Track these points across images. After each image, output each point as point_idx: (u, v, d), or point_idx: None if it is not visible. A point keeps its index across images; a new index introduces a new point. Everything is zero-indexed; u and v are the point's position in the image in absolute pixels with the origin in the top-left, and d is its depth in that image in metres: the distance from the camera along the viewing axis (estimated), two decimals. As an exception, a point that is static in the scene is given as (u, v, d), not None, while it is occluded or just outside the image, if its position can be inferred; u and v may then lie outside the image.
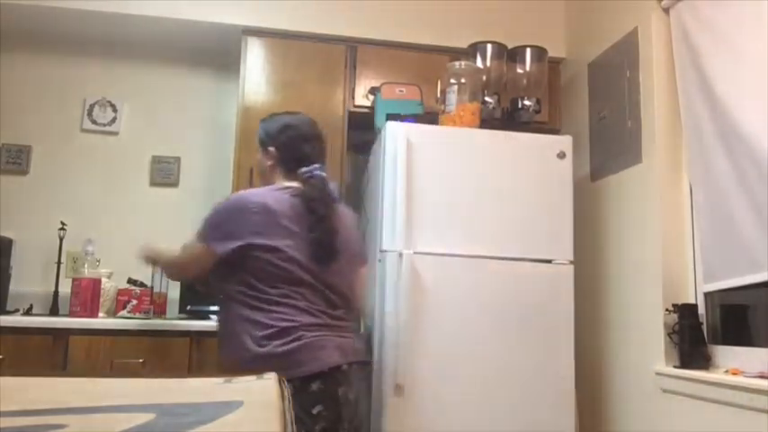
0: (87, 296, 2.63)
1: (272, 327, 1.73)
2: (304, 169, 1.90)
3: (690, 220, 2.43)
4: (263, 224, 1.77)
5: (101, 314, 2.75)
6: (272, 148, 1.96)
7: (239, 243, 1.76)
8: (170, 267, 2.05)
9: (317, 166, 1.92)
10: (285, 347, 1.71)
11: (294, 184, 1.90)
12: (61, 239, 2.91)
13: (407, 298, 2.43)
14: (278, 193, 1.85)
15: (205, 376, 1.97)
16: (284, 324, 1.73)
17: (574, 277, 2.60)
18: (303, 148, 1.95)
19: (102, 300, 2.78)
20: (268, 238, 1.76)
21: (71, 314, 2.63)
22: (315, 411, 1.70)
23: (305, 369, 1.70)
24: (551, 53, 3.06)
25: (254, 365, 1.70)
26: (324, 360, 1.73)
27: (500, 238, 2.57)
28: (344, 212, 2.00)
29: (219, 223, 1.81)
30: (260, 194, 1.84)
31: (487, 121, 2.83)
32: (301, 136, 1.96)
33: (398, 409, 2.37)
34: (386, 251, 2.50)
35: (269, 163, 1.97)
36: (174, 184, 3.20)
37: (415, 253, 2.48)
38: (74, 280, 2.69)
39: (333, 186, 1.93)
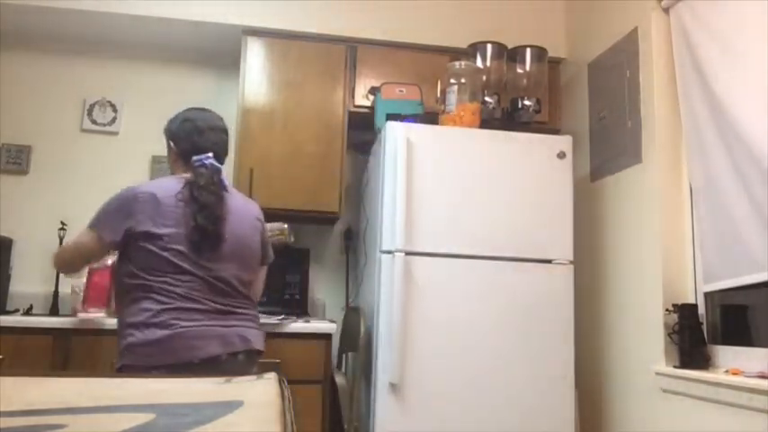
0: (105, 287, 2.57)
1: (148, 313, 1.76)
2: (194, 158, 1.93)
3: (690, 220, 2.43)
4: (149, 212, 1.82)
5: (101, 314, 2.75)
6: (171, 143, 2.04)
7: (123, 229, 1.81)
8: (59, 258, 2.01)
9: (208, 155, 1.94)
10: (158, 335, 1.74)
11: (188, 174, 1.94)
12: (61, 239, 2.90)
13: (407, 298, 2.43)
14: (170, 182, 1.91)
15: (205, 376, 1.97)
16: (160, 313, 1.76)
17: (574, 277, 2.60)
18: (196, 139, 1.98)
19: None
20: (151, 226, 1.80)
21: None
22: None
23: (177, 357, 1.73)
24: (551, 53, 3.06)
25: (129, 353, 1.78)
26: (200, 350, 1.75)
27: (500, 238, 2.58)
28: (240, 206, 2.00)
29: (109, 212, 1.87)
30: (151, 185, 1.93)
31: (487, 121, 2.83)
32: (196, 128, 2.00)
33: (398, 409, 2.37)
34: (386, 251, 2.50)
35: (172, 157, 2.04)
36: (174, 184, 3.19)
37: (414, 253, 2.48)
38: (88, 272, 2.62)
39: (222, 177, 1.95)
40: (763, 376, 1.95)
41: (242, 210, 2.01)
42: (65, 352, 2.44)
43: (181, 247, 1.81)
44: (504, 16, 3.20)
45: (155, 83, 3.26)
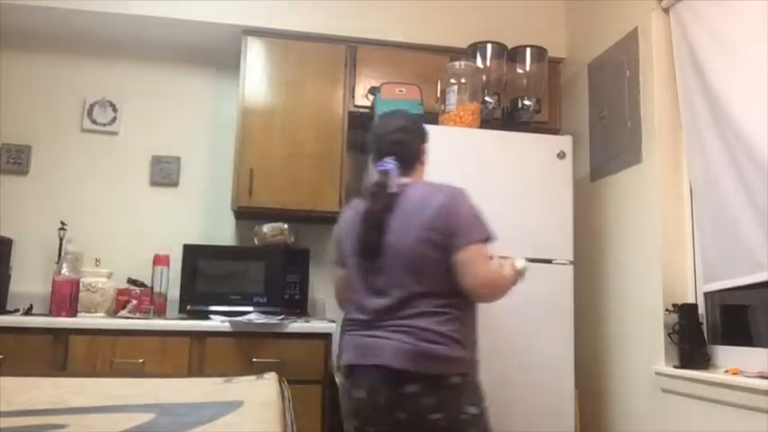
0: (65, 296, 2.61)
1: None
2: (377, 163, 1.91)
3: (690, 220, 2.42)
4: (339, 234, 1.98)
5: (100, 314, 2.75)
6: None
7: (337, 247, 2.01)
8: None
9: (385, 160, 1.86)
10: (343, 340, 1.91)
11: None
12: (61, 239, 2.91)
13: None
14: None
15: (205, 376, 1.98)
16: (344, 322, 1.97)
17: (574, 277, 2.60)
18: (376, 146, 1.94)
19: (101, 299, 2.78)
20: (344, 238, 1.93)
21: (51, 313, 2.64)
22: (342, 402, 1.85)
23: (338, 363, 1.90)
24: (551, 53, 3.06)
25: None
26: (344, 358, 1.84)
27: (500, 238, 2.57)
28: (415, 203, 1.78)
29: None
30: (351, 204, 2.02)
31: (487, 121, 2.83)
32: (375, 135, 1.96)
33: None
34: (386, 251, 2.50)
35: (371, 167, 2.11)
36: (174, 184, 3.20)
37: (415, 253, 2.48)
38: (53, 280, 2.68)
39: (393, 176, 1.82)
40: (763, 376, 1.95)
41: (415, 208, 1.77)
42: (65, 352, 2.44)
43: (353, 259, 1.87)
44: (504, 16, 3.20)
45: (155, 83, 3.26)
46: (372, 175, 2.90)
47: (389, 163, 1.84)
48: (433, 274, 1.74)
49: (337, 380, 2.62)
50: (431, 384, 1.66)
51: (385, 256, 1.76)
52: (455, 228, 1.74)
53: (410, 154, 1.89)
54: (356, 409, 1.77)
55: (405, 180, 1.85)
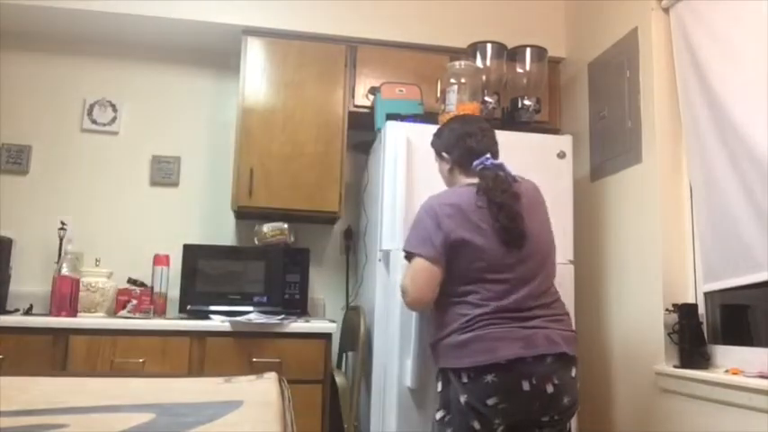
0: (65, 296, 2.61)
1: (462, 319, 1.82)
2: (475, 162, 1.96)
3: (690, 220, 2.42)
4: (457, 222, 1.86)
5: (100, 314, 2.75)
6: (444, 153, 2.08)
7: (440, 242, 1.86)
8: (407, 296, 1.96)
9: (487, 156, 1.96)
10: (463, 338, 1.79)
11: (473, 179, 1.96)
12: (61, 239, 2.91)
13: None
14: (461, 191, 1.95)
15: (205, 376, 1.98)
16: (472, 318, 1.80)
17: (574, 277, 2.59)
18: (470, 143, 2.01)
19: (101, 299, 2.78)
20: (462, 235, 1.85)
21: (51, 313, 2.63)
22: (490, 403, 1.74)
23: (476, 360, 1.75)
24: (551, 53, 3.06)
25: (443, 356, 1.87)
26: (499, 352, 1.75)
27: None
28: (531, 194, 1.98)
29: (420, 230, 1.91)
30: (447, 196, 1.97)
31: (487, 121, 2.82)
32: (466, 133, 2.03)
33: (416, 415, 2.32)
34: (386, 251, 2.50)
35: (446, 167, 2.09)
36: (174, 184, 3.20)
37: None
38: (53, 279, 2.68)
39: (508, 170, 1.96)
40: (763, 376, 1.95)
41: (532, 198, 1.99)
42: (65, 352, 2.44)
43: (490, 252, 1.83)
44: (504, 16, 3.20)
45: (155, 83, 3.26)
46: (374, 175, 2.90)
47: (490, 158, 1.96)
48: (554, 262, 2.00)
49: (338, 379, 2.63)
50: (576, 367, 1.85)
51: (528, 246, 1.86)
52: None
53: (498, 152, 2.05)
54: (524, 402, 1.75)
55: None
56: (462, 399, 1.77)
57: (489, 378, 1.74)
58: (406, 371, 2.27)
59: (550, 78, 3.12)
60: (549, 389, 1.75)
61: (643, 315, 2.47)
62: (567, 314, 1.95)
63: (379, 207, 2.60)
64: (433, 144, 2.15)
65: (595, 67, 2.97)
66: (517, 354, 1.74)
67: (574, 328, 1.97)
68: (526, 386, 1.73)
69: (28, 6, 2.86)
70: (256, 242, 2.95)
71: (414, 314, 2.18)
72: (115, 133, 3.19)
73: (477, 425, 1.76)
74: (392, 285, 2.44)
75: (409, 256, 1.93)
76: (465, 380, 1.77)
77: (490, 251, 1.84)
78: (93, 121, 3.17)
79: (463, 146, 2.02)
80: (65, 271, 2.64)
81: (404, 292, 1.94)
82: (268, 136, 2.91)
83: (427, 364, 2.13)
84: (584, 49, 3.08)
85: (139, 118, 3.22)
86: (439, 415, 1.86)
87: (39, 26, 3.08)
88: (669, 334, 2.32)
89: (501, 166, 1.96)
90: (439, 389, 1.89)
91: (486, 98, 2.88)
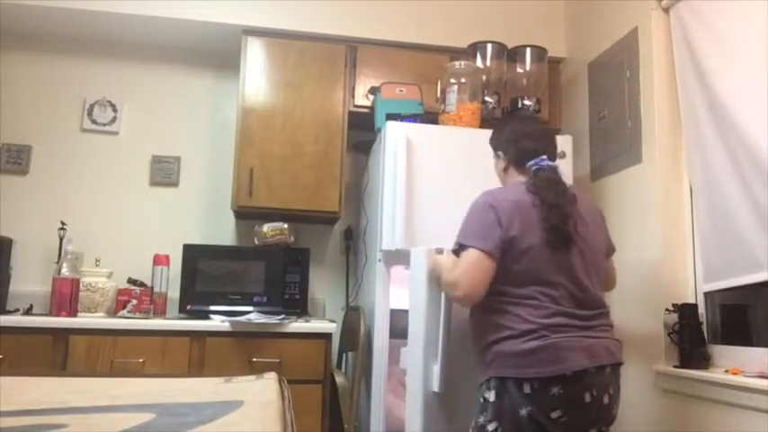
0: (65, 296, 2.60)
1: (518, 324, 1.74)
2: (531, 162, 1.93)
3: (690, 220, 2.42)
4: (515, 221, 1.80)
5: (100, 314, 2.75)
6: (500, 152, 2.06)
7: (499, 238, 1.79)
8: (448, 288, 1.92)
9: (543, 157, 1.94)
10: (529, 346, 1.70)
11: (524, 179, 1.94)
12: (61, 239, 2.91)
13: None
14: (516, 189, 1.90)
15: (205, 376, 1.98)
16: (529, 323, 1.73)
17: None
18: (526, 144, 1.98)
19: (101, 299, 2.78)
20: (518, 235, 1.79)
21: (51, 313, 2.62)
22: (554, 416, 1.67)
23: (544, 370, 1.67)
24: (551, 53, 3.06)
25: (499, 364, 1.76)
26: (569, 362, 1.68)
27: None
28: (584, 201, 1.96)
29: (478, 223, 1.85)
30: (505, 193, 1.92)
31: (487, 121, 2.83)
32: (524, 134, 2.02)
33: (442, 418, 2.26)
34: (386, 251, 2.50)
35: (501, 165, 2.06)
36: (174, 184, 3.20)
37: (415, 253, 2.47)
38: (53, 279, 2.68)
39: (560, 174, 1.93)
40: (763, 376, 1.95)
41: (592, 209, 1.98)
42: (65, 352, 2.44)
43: (543, 253, 1.78)
44: (504, 16, 3.20)
45: (155, 83, 3.26)
46: (374, 175, 2.90)
47: (545, 160, 1.94)
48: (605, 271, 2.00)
49: (338, 379, 2.62)
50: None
51: (577, 251, 1.82)
52: (609, 236, 2.06)
53: (555, 154, 2.03)
54: (584, 414, 1.70)
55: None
56: (524, 411, 1.67)
57: (555, 390, 1.66)
58: (432, 374, 2.09)
59: (550, 78, 3.12)
60: (606, 400, 1.73)
61: (643, 315, 2.47)
62: (612, 323, 1.91)
63: (379, 207, 2.60)
64: (490, 142, 2.13)
65: (595, 67, 2.97)
66: (584, 365, 1.68)
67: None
68: (588, 398, 1.69)
69: (28, 6, 2.86)
70: (256, 242, 2.95)
71: (442, 315, 2.05)
72: (115, 133, 3.19)
73: None
74: (393, 285, 2.44)
75: (462, 248, 1.84)
76: (528, 390, 1.68)
77: (543, 252, 1.78)
78: (93, 121, 3.17)
79: (519, 146, 1.99)
80: (65, 271, 2.64)
81: (454, 286, 1.82)
82: (268, 136, 2.91)
83: (455, 367, 2.04)
84: (584, 49, 3.08)
85: (139, 118, 3.22)
86: (492, 427, 1.73)
87: (39, 26, 3.08)
88: (669, 334, 2.32)
89: (555, 169, 1.93)
90: (491, 398, 1.74)
91: (487, 98, 2.88)
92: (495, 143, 2.10)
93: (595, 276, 1.88)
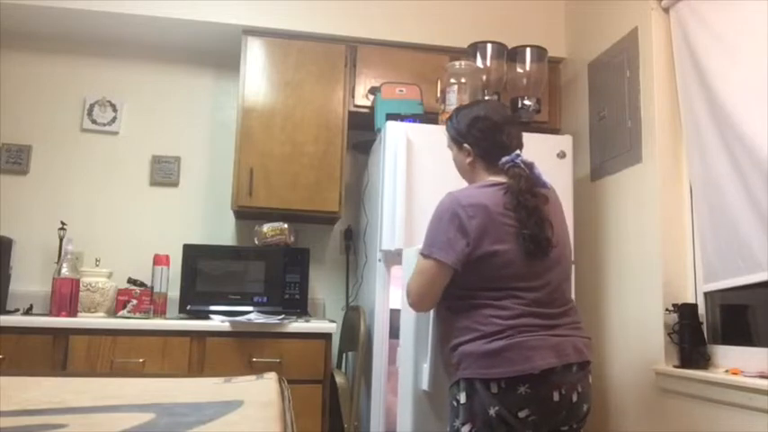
0: (65, 296, 2.60)
1: (487, 326, 1.68)
2: (504, 160, 1.79)
3: (690, 220, 2.42)
4: (483, 226, 1.71)
5: (100, 314, 2.75)
6: (466, 145, 1.87)
7: (462, 249, 1.71)
8: (410, 292, 1.84)
9: (517, 153, 1.80)
10: (495, 346, 1.65)
11: (499, 178, 1.80)
12: (61, 239, 2.91)
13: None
14: (488, 190, 1.77)
15: (205, 376, 1.98)
16: (499, 326, 1.67)
17: (574, 277, 2.59)
18: (498, 137, 1.83)
19: (101, 299, 2.78)
20: (487, 242, 1.70)
21: (51, 313, 2.62)
22: (522, 415, 1.64)
23: (511, 369, 1.63)
24: (551, 53, 3.06)
25: (466, 365, 1.70)
26: (533, 362, 1.63)
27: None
28: (555, 200, 1.86)
29: (441, 231, 1.75)
30: (474, 194, 1.78)
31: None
32: (494, 124, 1.84)
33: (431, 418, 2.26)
34: (386, 251, 2.50)
35: (468, 160, 1.88)
36: (174, 184, 3.20)
37: (415, 253, 2.47)
38: (53, 279, 2.68)
39: (538, 172, 1.80)
40: (763, 376, 1.95)
41: (555, 202, 1.86)
42: (65, 352, 2.44)
43: (517, 260, 1.70)
44: (504, 16, 3.20)
45: (155, 83, 3.26)
46: (374, 175, 2.90)
47: (520, 156, 1.81)
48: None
49: (338, 379, 2.62)
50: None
51: (554, 253, 1.75)
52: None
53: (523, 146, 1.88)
54: (552, 412, 1.67)
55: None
56: (492, 410, 1.63)
57: (522, 389, 1.63)
58: (422, 373, 2.09)
59: (550, 78, 3.12)
60: (574, 398, 1.70)
61: (643, 315, 2.47)
62: (581, 320, 1.86)
63: (379, 207, 2.60)
64: (450, 130, 1.92)
65: (595, 67, 2.97)
66: (551, 363, 1.65)
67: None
68: (556, 396, 1.66)
69: (28, 6, 2.86)
70: (256, 242, 2.95)
71: (431, 316, 2.08)
72: (115, 133, 3.19)
73: None
74: (393, 286, 2.44)
75: (423, 257, 1.78)
76: (495, 390, 1.64)
77: (517, 259, 1.70)
78: (93, 121, 3.17)
79: (492, 140, 1.83)
80: (65, 271, 2.64)
81: (407, 293, 1.83)
82: (268, 136, 2.91)
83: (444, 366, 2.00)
84: (584, 49, 3.08)
85: (139, 118, 3.22)
86: (466, 429, 1.68)
87: (39, 26, 3.08)
88: (669, 334, 2.32)
89: (532, 166, 1.79)
90: (462, 400, 1.69)
91: (487, 98, 2.88)
92: (457, 131, 1.90)
93: (567, 274, 1.86)
